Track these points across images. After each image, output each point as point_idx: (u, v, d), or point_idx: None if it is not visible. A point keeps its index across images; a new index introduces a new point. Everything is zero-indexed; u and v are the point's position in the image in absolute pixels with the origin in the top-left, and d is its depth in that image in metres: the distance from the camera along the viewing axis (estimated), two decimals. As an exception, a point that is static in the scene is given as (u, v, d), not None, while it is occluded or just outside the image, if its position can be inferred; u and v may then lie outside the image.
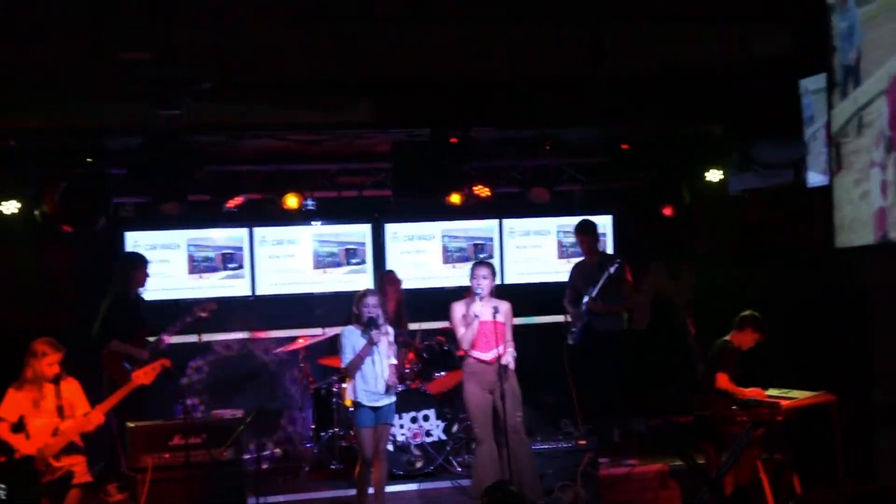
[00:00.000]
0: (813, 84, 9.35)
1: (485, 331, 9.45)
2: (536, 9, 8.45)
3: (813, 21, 8.29)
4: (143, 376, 9.06)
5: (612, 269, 10.93)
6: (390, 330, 9.53)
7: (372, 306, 9.30)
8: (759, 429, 9.46)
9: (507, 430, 9.34)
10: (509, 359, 9.46)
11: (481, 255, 12.72)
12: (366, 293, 9.43)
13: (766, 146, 11.21)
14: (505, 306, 9.63)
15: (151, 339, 10.49)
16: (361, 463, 9.35)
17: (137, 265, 10.78)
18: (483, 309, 9.46)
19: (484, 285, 9.51)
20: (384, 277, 11.55)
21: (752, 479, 9.53)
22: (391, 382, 9.38)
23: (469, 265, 11.66)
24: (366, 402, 9.27)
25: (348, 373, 9.44)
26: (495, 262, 12.59)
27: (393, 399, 9.47)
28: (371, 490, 9.44)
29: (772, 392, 9.76)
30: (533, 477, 9.56)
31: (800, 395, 9.60)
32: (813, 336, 10.57)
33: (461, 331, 9.59)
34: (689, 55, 9.92)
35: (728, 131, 11.51)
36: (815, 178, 9.37)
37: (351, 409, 9.55)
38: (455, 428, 10.87)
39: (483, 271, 9.60)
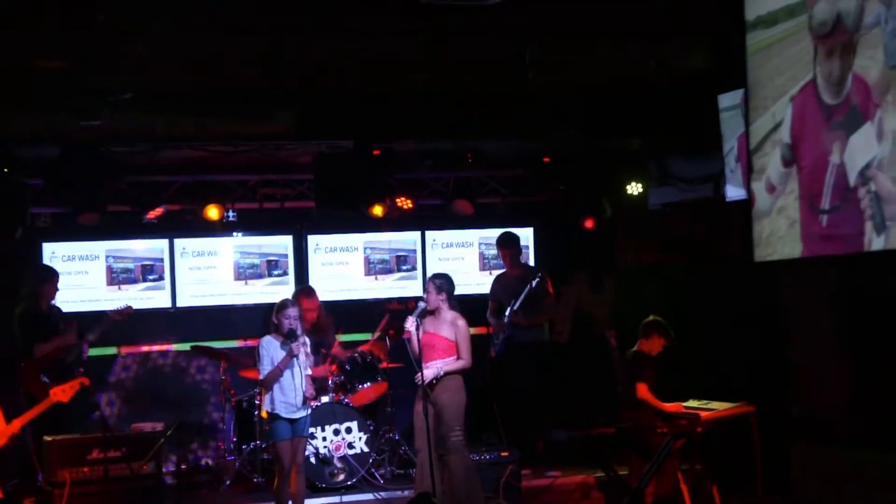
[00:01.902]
0: (724, 102, 9.50)
1: (423, 343, 9.46)
2: (458, 23, 8.49)
3: (730, 37, 8.44)
4: (61, 394, 8.91)
5: (533, 283, 10.95)
6: (307, 340, 9.47)
7: (292, 318, 9.23)
8: (680, 440, 9.55)
9: (430, 450, 9.29)
10: (428, 374, 9.37)
11: (404, 268, 12.73)
12: (285, 304, 9.31)
13: (685, 161, 11.37)
14: (452, 320, 9.55)
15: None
16: (279, 476, 9.28)
17: (47, 278, 10.62)
18: (427, 323, 9.47)
19: (427, 299, 9.49)
20: (298, 295, 11.39)
21: (674, 490, 9.62)
22: (309, 395, 9.33)
23: (391, 277, 11.74)
24: (283, 414, 9.18)
25: (266, 384, 9.38)
26: (418, 274, 12.61)
27: (308, 412, 9.41)
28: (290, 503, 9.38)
29: (692, 403, 9.85)
30: (472, 496, 9.53)
31: (719, 406, 9.70)
32: (733, 348, 10.69)
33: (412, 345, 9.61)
34: (608, 70, 10.04)
35: (645, 146, 11.65)
36: (733, 192, 9.51)
37: (266, 420, 9.47)
38: (378, 440, 10.86)
39: (427, 285, 9.59)
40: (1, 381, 10.16)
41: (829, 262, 7.82)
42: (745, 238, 8.76)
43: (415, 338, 9.38)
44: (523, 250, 12.00)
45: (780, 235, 7.91)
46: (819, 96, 7.48)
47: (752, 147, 8.20)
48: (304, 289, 11.50)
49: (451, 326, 9.50)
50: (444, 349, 9.47)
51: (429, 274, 12.38)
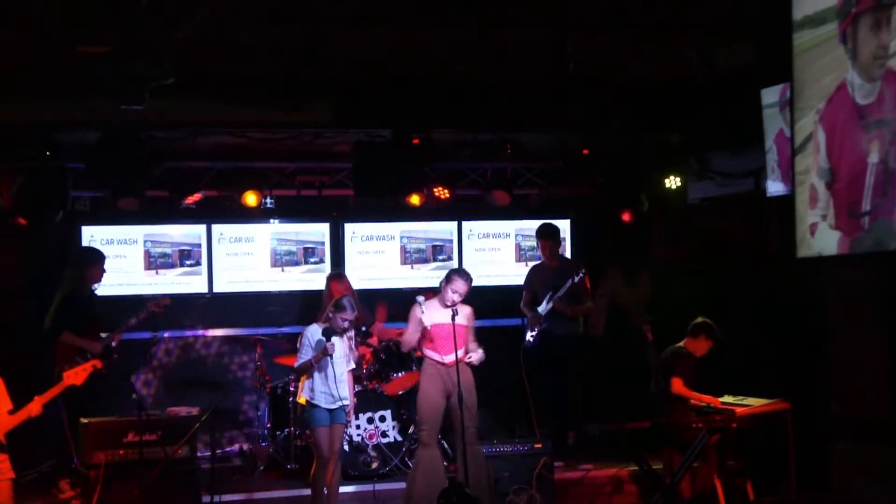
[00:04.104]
0: (766, 98, 9.44)
1: (443, 333, 9.44)
2: (500, 13, 8.47)
3: (776, 33, 8.38)
4: (74, 377, 8.85)
5: (576, 279, 10.90)
6: (353, 334, 9.48)
7: (349, 320, 9.24)
8: (715, 436, 9.53)
9: (464, 440, 9.30)
10: (477, 357, 9.48)
11: (440, 257, 12.71)
12: (343, 306, 9.23)
13: (725, 155, 11.30)
14: (466, 309, 9.62)
15: (104, 334, 10.40)
16: (318, 462, 9.31)
17: (95, 261, 10.67)
18: (440, 312, 9.45)
19: (458, 300, 9.51)
20: (330, 280, 11.45)
21: (710, 486, 9.60)
22: (349, 415, 9.44)
23: (427, 267, 11.78)
24: (322, 404, 9.22)
25: (297, 372, 9.42)
26: (454, 263, 12.59)
27: (346, 403, 9.41)
28: (325, 490, 9.40)
29: (727, 399, 9.83)
30: (489, 486, 9.59)
31: (755, 402, 9.68)
32: (770, 345, 10.63)
33: (410, 330, 9.62)
34: (650, 63, 9.99)
35: (686, 140, 11.59)
36: (774, 188, 9.45)
37: (304, 407, 9.51)
38: (411, 429, 10.86)
39: (463, 287, 9.50)
40: (38, 361, 10.23)
41: (870, 258, 7.76)
42: (785, 233, 8.71)
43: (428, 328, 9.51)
44: (562, 242, 11.94)
45: (821, 236, 7.87)
46: (853, 98, 7.42)
47: (797, 146, 8.14)
48: (335, 274, 11.57)
49: (463, 314, 9.54)
50: (463, 338, 9.52)
51: (465, 264, 12.43)
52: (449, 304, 9.45)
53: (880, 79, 7.15)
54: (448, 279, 9.55)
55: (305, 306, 11.87)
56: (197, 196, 12.00)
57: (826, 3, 7.69)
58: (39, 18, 8.15)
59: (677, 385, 9.84)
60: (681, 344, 10.11)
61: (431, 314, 9.48)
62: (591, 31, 9.00)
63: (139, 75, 8.67)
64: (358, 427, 10.62)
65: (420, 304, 9.49)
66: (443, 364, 9.46)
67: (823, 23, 7.72)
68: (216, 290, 12.30)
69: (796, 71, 8.13)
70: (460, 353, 9.42)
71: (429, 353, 9.57)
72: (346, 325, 9.22)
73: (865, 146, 7.32)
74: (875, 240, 7.31)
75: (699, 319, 10.11)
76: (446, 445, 10.57)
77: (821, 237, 7.83)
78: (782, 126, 9.06)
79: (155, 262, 12.19)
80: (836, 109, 7.59)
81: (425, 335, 9.53)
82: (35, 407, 8.34)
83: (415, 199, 12.02)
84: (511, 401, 11.48)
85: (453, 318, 9.29)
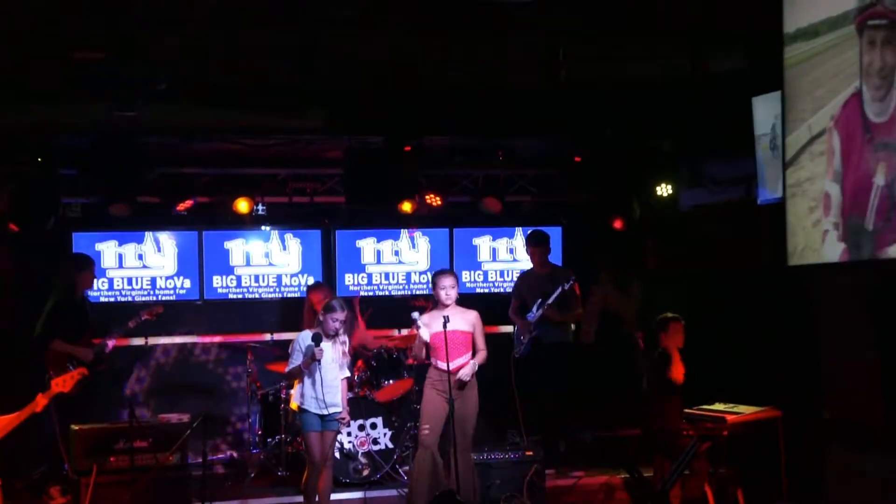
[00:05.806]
0: (760, 106, 9.46)
1: (439, 342, 9.40)
2: (492, 20, 8.48)
3: (768, 42, 8.41)
4: (62, 384, 8.85)
5: (566, 286, 10.91)
6: (347, 340, 9.45)
7: (340, 321, 9.21)
8: (706, 443, 9.53)
9: (455, 448, 9.29)
10: (467, 371, 9.40)
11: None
12: (333, 307, 9.22)
13: (716, 162, 11.32)
14: (470, 315, 9.58)
15: (97, 341, 10.39)
16: (310, 468, 9.27)
17: (84, 267, 10.68)
18: (439, 320, 9.43)
19: (452, 294, 9.50)
20: (309, 291, 11.47)
21: (700, 494, 9.60)
22: (345, 421, 9.40)
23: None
24: (312, 409, 9.20)
25: (287, 376, 9.41)
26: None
27: (338, 410, 9.40)
28: (316, 498, 9.38)
29: (718, 407, 9.84)
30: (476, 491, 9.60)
31: (746, 410, 9.69)
32: (762, 351, 10.64)
33: (417, 345, 9.59)
34: (642, 70, 10.00)
35: (677, 147, 11.61)
36: (765, 195, 9.46)
37: (296, 413, 9.50)
38: (402, 436, 10.86)
39: (449, 281, 9.55)
40: (29, 367, 10.21)
41: (862, 266, 7.77)
42: (776, 240, 8.72)
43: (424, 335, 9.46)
44: (551, 250, 11.95)
45: (814, 248, 7.88)
46: (863, 112, 7.40)
47: (788, 159, 8.15)
48: (313, 284, 11.59)
49: (464, 320, 9.51)
50: (465, 343, 9.49)
51: (456, 272, 12.42)
52: (447, 303, 9.45)
53: (893, 100, 7.13)
54: (433, 283, 9.59)
55: (297, 313, 11.85)
56: (189, 202, 11.98)
57: (819, 15, 7.69)
58: (33, 23, 8.14)
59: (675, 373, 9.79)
60: (660, 347, 10.09)
61: (431, 325, 9.46)
62: (583, 39, 9.01)
63: (132, 81, 8.70)
64: (349, 434, 10.61)
65: (417, 320, 9.46)
66: (443, 371, 9.44)
67: (817, 35, 7.72)
68: (208, 296, 12.29)
69: (789, 84, 8.14)
70: (465, 358, 9.43)
71: (433, 360, 9.56)
72: (337, 325, 9.18)
73: (872, 165, 7.29)
74: (872, 255, 7.32)
75: (659, 316, 10.07)
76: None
77: (829, 246, 7.83)
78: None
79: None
80: (849, 118, 7.55)
81: (429, 345, 9.52)
82: (40, 402, 8.38)
83: (407, 207, 12.01)
84: (501, 408, 11.44)
85: (444, 326, 9.29)
